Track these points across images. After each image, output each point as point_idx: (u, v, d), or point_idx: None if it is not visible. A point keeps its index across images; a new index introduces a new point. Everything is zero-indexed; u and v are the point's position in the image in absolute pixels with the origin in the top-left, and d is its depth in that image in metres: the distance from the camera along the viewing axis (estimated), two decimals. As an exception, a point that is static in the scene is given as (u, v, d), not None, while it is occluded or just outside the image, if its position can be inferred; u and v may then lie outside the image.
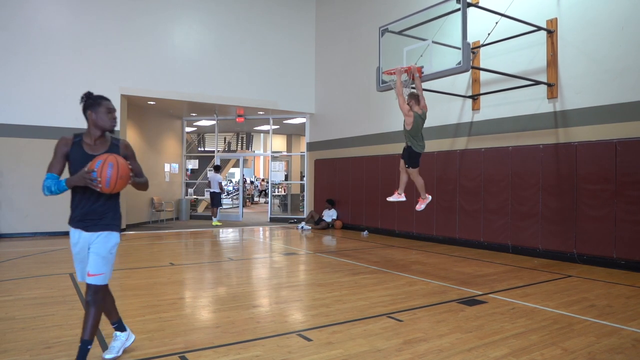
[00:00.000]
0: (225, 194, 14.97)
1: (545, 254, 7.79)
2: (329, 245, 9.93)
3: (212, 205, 14.04)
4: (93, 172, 2.86)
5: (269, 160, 16.33)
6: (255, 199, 27.11)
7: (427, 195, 6.88)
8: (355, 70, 12.62)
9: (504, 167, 8.52)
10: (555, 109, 7.83)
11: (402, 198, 6.98)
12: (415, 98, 6.52)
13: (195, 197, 16.51)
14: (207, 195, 16.46)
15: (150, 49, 11.94)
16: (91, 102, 3.20)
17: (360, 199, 12.29)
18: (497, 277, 6.27)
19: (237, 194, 19.62)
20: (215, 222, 13.77)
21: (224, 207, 18.04)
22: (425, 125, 10.19)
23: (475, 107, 9.19)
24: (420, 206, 6.92)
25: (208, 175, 15.85)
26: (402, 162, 6.81)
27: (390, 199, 7.14)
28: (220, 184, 13.99)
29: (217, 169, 14.29)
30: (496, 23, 8.02)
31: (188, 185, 16.19)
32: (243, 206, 16.83)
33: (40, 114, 10.59)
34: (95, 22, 11.19)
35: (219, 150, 16.19)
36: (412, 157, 6.57)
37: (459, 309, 4.63)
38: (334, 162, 13.41)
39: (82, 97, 3.24)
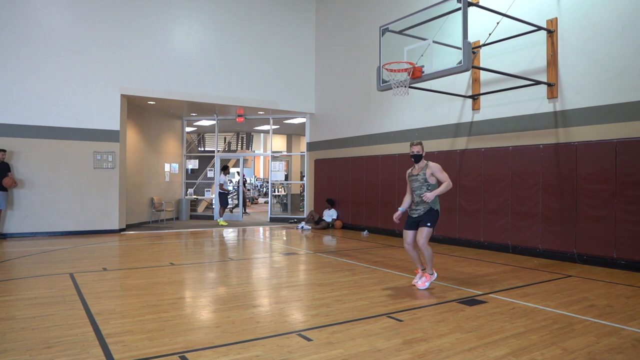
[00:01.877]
0: (228, 193, 15.08)
1: (546, 253, 7.79)
2: (329, 245, 9.93)
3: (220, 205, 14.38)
4: None
5: (269, 160, 16.33)
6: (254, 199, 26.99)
7: (433, 270, 5.62)
8: (355, 70, 12.61)
9: (504, 167, 8.52)
10: (556, 109, 7.83)
11: (435, 275, 5.63)
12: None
13: (195, 197, 16.52)
14: (206, 195, 16.53)
15: (150, 49, 11.94)
16: None
17: (360, 199, 12.29)
18: (497, 277, 6.27)
19: (236, 194, 19.61)
20: (220, 221, 13.81)
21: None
22: (426, 124, 10.35)
23: (476, 107, 9.18)
24: (425, 283, 5.49)
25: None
26: (409, 234, 5.57)
27: (420, 285, 5.51)
28: (221, 184, 14.10)
29: (223, 169, 14.50)
30: (497, 23, 8.03)
31: (188, 185, 16.19)
32: (243, 206, 16.82)
33: (40, 114, 10.59)
34: (96, 22, 11.19)
35: (219, 150, 16.18)
36: (432, 216, 5.44)
37: (459, 309, 4.63)
38: (334, 162, 13.41)
39: None
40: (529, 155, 8.11)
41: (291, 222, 14.48)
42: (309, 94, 14.45)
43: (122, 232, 11.45)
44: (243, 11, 13.43)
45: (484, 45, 8.54)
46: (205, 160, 18.10)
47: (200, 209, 17.11)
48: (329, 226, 12.93)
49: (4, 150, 10.01)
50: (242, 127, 19.53)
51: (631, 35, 6.86)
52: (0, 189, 9.88)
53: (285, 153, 20.98)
